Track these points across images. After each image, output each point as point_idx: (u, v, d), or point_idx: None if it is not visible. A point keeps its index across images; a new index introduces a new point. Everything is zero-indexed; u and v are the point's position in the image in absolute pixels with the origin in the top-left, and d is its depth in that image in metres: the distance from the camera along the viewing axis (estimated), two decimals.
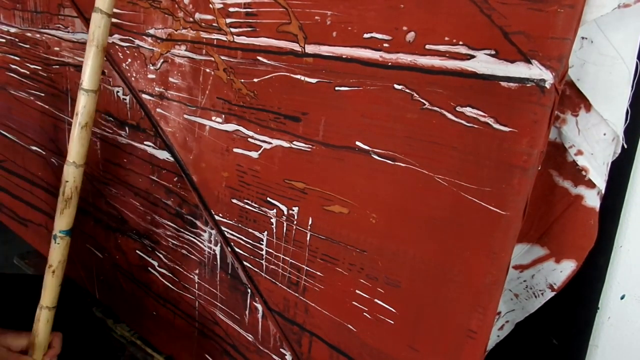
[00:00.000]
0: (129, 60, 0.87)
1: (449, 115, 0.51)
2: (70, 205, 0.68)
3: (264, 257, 0.75)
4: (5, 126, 1.31)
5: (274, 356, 0.79)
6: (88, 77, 0.65)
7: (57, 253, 0.70)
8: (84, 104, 0.65)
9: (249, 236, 0.76)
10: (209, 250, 0.84)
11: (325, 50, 0.59)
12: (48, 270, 0.71)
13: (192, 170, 0.82)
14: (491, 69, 0.47)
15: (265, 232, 0.73)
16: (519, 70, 0.45)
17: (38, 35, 1.07)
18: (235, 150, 0.74)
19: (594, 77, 0.51)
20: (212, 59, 0.72)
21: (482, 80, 0.48)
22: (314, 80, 0.61)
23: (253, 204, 0.73)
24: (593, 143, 0.54)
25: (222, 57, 0.71)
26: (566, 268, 0.61)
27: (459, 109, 0.50)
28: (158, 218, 0.92)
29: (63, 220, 0.69)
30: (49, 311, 0.71)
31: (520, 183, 0.47)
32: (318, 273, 0.68)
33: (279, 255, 0.72)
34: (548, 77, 0.44)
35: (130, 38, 0.85)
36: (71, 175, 0.67)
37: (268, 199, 0.71)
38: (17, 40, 1.15)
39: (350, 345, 0.67)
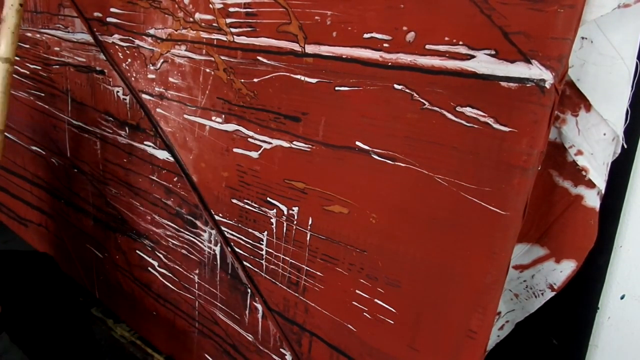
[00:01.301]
0: (129, 60, 0.87)
1: (449, 115, 0.51)
2: None
3: (264, 257, 0.75)
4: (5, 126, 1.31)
5: (274, 356, 0.79)
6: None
7: None
8: None
9: (249, 236, 0.76)
10: (209, 250, 0.84)
11: (325, 50, 0.59)
12: None
13: (192, 170, 0.82)
14: (491, 69, 0.47)
15: (265, 232, 0.73)
16: (519, 70, 0.45)
17: (38, 35, 1.07)
18: (235, 150, 0.73)
19: (594, 77, 0.51)
20: (212, 59, 0.72)
21: (482, 80, 0.48)
22: (314, 80, 0.61)
23: (253, 204, 0.73)
24: (593, 143, 0.54)
25: (222, 57, 0.71)
26: (566, 268, 0.61)
27: (459, 109, 0.50)
28: (158, 218, 0.92)
29: None
30: None
31: (520, 183, 0.47)
32: (318, 273, 0.68)
33: (279, 255, 0.72)
34: (548, 77, 0.44)
35: (130, 38, 0.85)
36: None
37: (268, 199, 0.71)
38: None
39: (350, 345, 0.67)
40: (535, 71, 0.44)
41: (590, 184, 0.56)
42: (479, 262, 0.52)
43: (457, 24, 0.48)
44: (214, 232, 0.82)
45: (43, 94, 1.13)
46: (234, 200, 0.76)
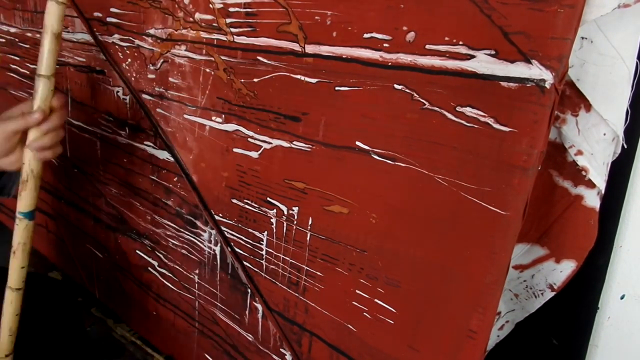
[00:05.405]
0: (129, 60, 0.87)
1: (449, 115, 0.51)
2: (27, 188, 0.68)
3: (264, 257, 0.75)
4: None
5: (274, 356, 0.79)
6: (45, 63, 0.64)
7: (16, 235, 0.70)
8: (41, 89, 0.65)
9: (249, 236, 0.76)
10: (209, 250, 0.84)
11: (325, 50, 0.59)
12: (11, 251, 0.71)
13: (192, 170, 0.82)
14: (491, 69, 0.47)
15: (265, 232, 0.73)
16: (519, 70, 0.45)
17: (38, 35, 1.07)
18: (235, 150, 0.74)
19: (594, 77, 0.51)
20: (212, 59, 0.72)
21: (482, 80, 0.48)
22: (314, 80, 0.61)
23: (253, 204, 0.73)
24: (593, 143, 0.54)
25: (222, 57, 0.71)
26: (566, 268, 0.61)
27: (459, 109, 0.50)
28: (158, 218, 0.92)
29: (21, 202, 0.69)
30: (12, 292, 0.72)
31: (520, 183, 0.47)
32: (318, 273, 0.68)
33: (279, 255, 0.72)
34: (548, 77, 0.44)
35: (130, 38, 0.85)
36: (27, 158, 0.67)
37: (268, 199, 0.71)
38: (17, 40, 1.15)
39: (350, 345, 0.67)
40: (535, 71, 0.45)
41: (590, 184, 0.56)
42: (479, 262, 0.52)
43: (457, 24, 0.48)
44: (214, 232, 0.82)
45: None
46: (234, 200, 0.76)
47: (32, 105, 0.66)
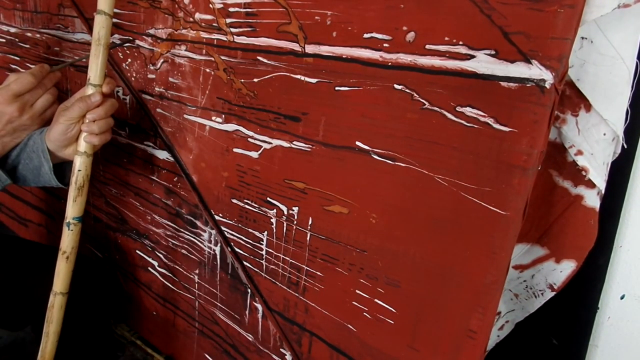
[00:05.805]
0: (129, 60, 0.87)
1: (449, 115, 0.51)
2: (82, 193, 0.71)
3: (264, 257, 0.75)
4: None
5: (274, 356, 0.79)
6: (95, 74, 0.68)
7: (70, 239, 0.72)
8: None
9: (249, 236, 0.76)
10: (209, 250, 0.84)
11: (325, 50, 0.59)
12: (62, 256, 0.72)
13: (192, 170, 0.82)
14: (491, 69, 0.47)
15: (265, 232, 0.73)
16: (519, 70, 0.45)
17: (38, 35, 1.07)
18: (235, 150, 0.74)
19: (594, 77, 0.51)
20: (212, 59, 0.72)
21: (482, 80, 0.48)
22: (314, 80, 0.61)
23: (253, 204, 0.73)
24: (593, 143, 0.54)
25: (222, 57, 0.71)
26: (566, 268, 0.61)
27: (459, 109, 0.50)
28: (158, 218, 0.92)
29: (76, 208, 0.71)
30: (63, 297, 0.73)
31: (520, 183, 0.47)
32: (318, 273, 0.68)
33: (279, 255, 0.72)
34: (548, 77, 0.44)
35: (130, 38, 0.85)
36: (82, 164, 0.70)
37: (268, 199, 0.71)
38: (17, 40, 1.15)
39: (350, 345, 0.67)
40: (535, 71, 0.45)
41: (590, 184, 0.56)
42: (479, 262, 0.52)
43: (457, 24, 0.48)
44: (214, 232, 0.82)
45: None
46: (234, 200, 0.76)
47: (87, 90, 0.68)
